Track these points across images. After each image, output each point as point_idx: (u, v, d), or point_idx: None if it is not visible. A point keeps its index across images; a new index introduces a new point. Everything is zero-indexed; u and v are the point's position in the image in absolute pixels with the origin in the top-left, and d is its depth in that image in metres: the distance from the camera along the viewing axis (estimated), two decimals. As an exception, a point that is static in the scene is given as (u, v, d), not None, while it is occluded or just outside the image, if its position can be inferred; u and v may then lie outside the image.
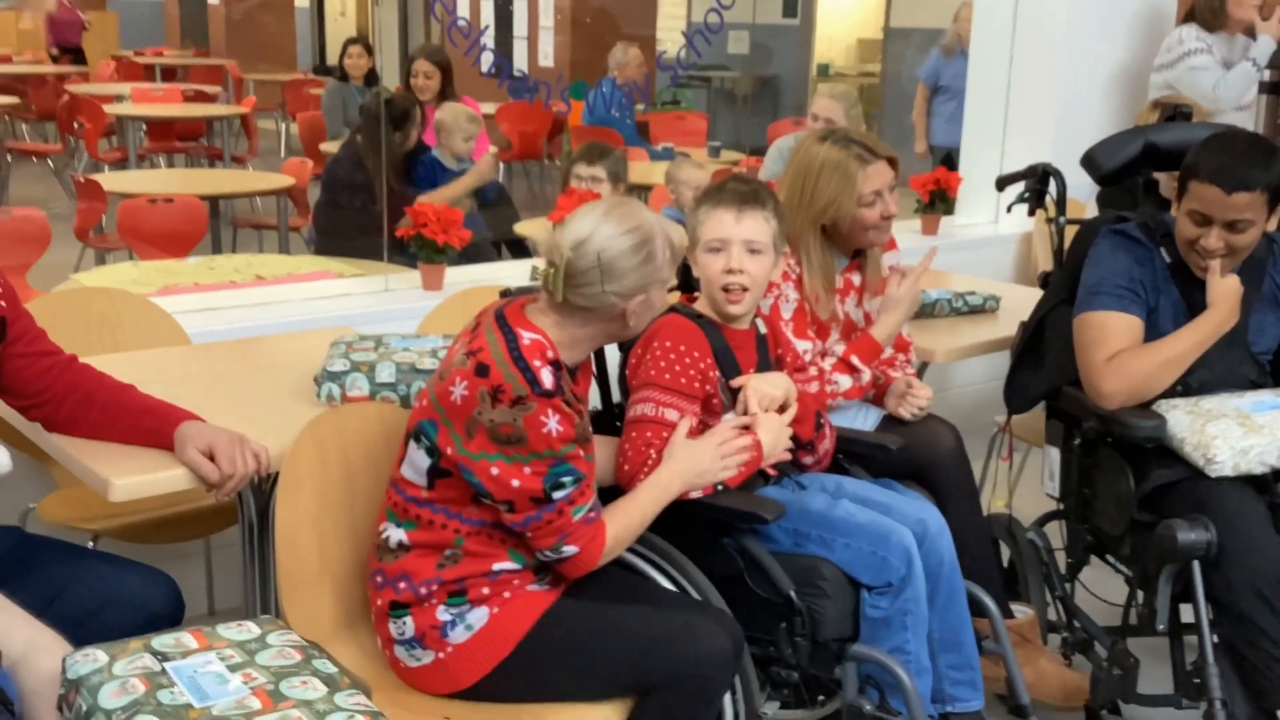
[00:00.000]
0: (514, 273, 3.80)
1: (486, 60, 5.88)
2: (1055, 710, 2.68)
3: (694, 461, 2.15)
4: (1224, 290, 2.50)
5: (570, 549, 1.96)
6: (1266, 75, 4.59)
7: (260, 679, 1.51)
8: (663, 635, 1.96)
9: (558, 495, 1.91)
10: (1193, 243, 2.51)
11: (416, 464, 1.98)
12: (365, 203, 4.87)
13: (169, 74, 12.04)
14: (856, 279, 2.82)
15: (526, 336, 1.92)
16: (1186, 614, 2.48)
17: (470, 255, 3.95)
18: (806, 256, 2.69)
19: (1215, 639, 2.37)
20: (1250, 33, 4.59)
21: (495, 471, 1.89)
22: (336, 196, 5.05)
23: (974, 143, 4.97)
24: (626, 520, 2.05)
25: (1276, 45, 4.56)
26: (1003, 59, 4.81)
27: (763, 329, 2.45)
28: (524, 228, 5.09)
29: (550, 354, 1.92)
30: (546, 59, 10.01)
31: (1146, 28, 4.83)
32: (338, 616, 2.12)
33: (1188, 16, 4.70)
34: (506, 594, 1.99)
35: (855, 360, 2.67)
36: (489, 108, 7.64)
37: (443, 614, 1.97)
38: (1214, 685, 2.31)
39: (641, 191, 5.42)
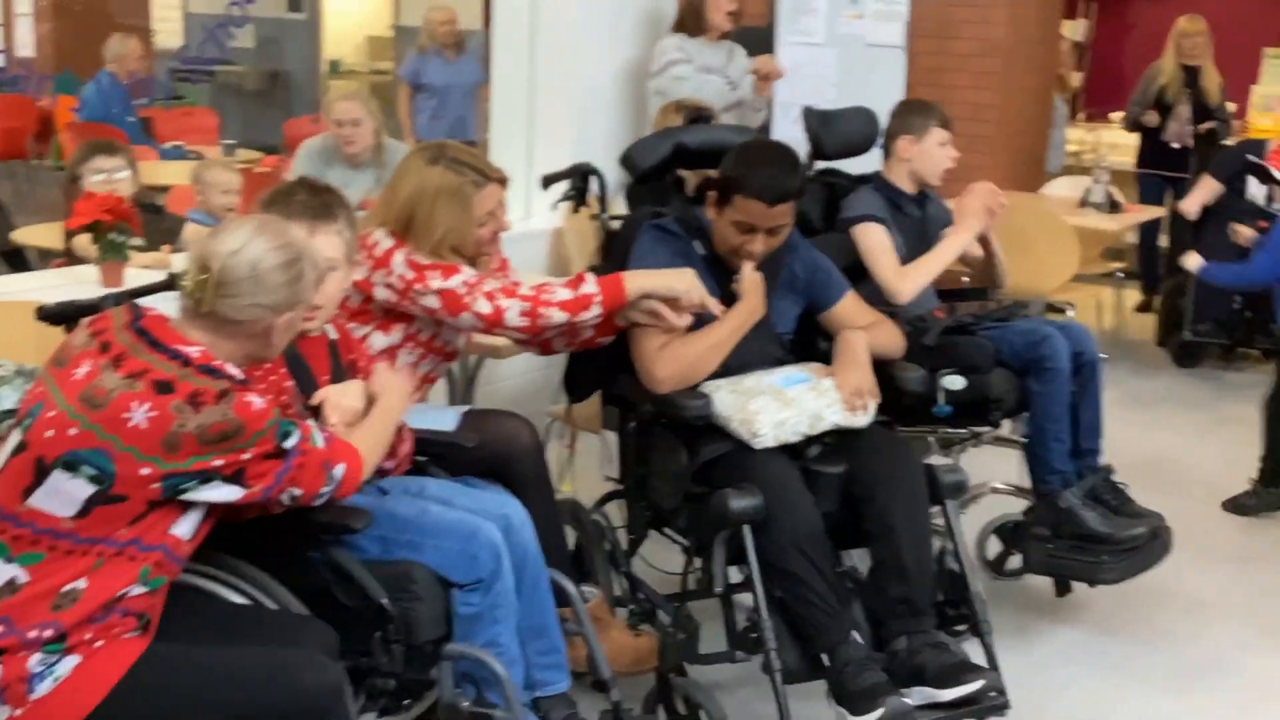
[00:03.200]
0: (25, 287, 3.45)
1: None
2: (630, 677, 2.84)
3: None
4: (751, 283, 2.76)
5: (340, 467, 2.04)
6: (743, 90, 5.02)
7: None
8: (266, 674, 1.89)
9: (290, 442, 1.93)
10: (737, 248, 2.75)
11: (66, 493, 1.82)
12: None
13: None
14: None
15: (193, 350, 1.87)
16: (735, 576, 2.71)
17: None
18: None
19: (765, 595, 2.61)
20: (727, 37, 5.03)
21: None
22: None
23: (502, 140, 5.10)
24: (368, 434, 2.19)
25: (752, 66, 5.02)
26: (524, 57, 4.97)
27: (333, 334, 2.41)
28: (24, 236, 4.63)
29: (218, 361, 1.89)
30: (26, 49, 9.08)
31: (652, 29, 5.19)
32: None
33: (679, 24, 5.09)
34: (100, 641, 1.82)
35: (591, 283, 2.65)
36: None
37: (35, 664, 1.79)
38: (769, 637, 2.55)
39: (158, 193, 5.09)
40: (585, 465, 3.48)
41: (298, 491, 1.99)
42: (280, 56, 10.89)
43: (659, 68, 4.83)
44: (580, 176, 3.13)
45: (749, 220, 2.72)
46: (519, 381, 4.50)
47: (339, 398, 2.27)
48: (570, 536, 3.06)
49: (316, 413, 2.23)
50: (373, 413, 2.25)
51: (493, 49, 5.08)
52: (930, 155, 3.54)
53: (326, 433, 2.07)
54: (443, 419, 2.75)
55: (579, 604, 2.63)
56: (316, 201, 2.28)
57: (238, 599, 2.11)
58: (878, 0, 5.83)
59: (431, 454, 2.56)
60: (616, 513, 3.10)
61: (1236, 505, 4.27)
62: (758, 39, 5.52)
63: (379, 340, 2.72)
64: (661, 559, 3.09)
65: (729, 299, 2.78)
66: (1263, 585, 3.78)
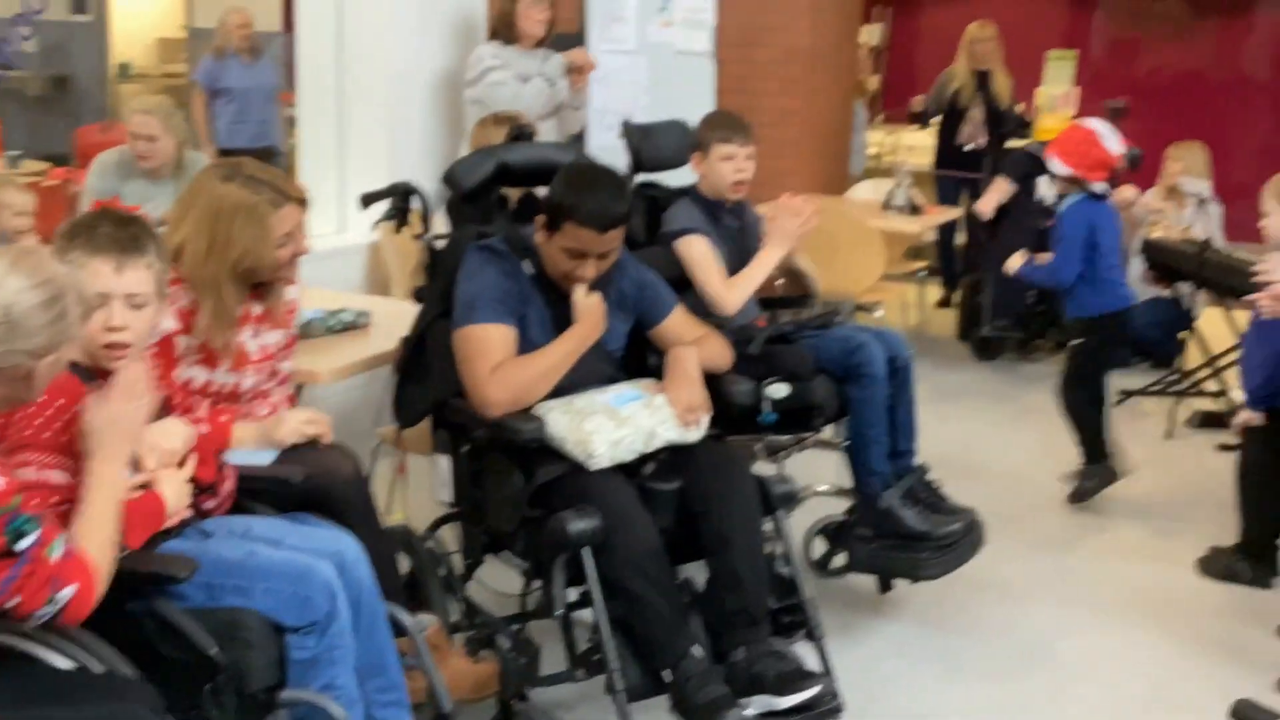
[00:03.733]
0: None
1: None
2: (472, 705, 2.80)
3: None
4: (588, 307, 2.76)
5: (68, 589, 1.82)
6: (562, 91, 5.03)
7: None
8: None
9: (25, 544, 1.74)
10: (568, 273, 2.74)
11: None
12: None
13: None
14: (257, 309, 2.73)
15: None
16: (572, 595, 2.71)
17: None
18: (216, 298, 2.55)
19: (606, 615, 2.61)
20: (543, 44, 5.02)
21: None
22: None
23: (310, 152, 4.97)
24: (99, 536, 1.92)
25: (566, 62, 5.03)
26: (330, 66, 4.85)
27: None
28: None
29: None
30: None
31: (464, 38, 5.13)
32: None
33: (492, 32, 5.05)
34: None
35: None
36: None
37: None
38: (611, 657, 2.56)
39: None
40: (416, 488, 3.41)
41: (15, 601, 1.77)
42: (65, 60, 10.33)
43: (475, 76, 4.77)
44: (401, 196, 3.07)
45: (580, 247, 2.72)
46: (337, 403, 4.38)
47: (157, 438, 2.16)
48: (403, 563, 3.00)
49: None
50: (93, 506, 1.97)
51: (297, 57, 4.94)
52: (716, 170, 3.55)
53: (68, 546, 1.85)
54: (260, 454, 2.65)
55: (416, 636, 2.57)
56: (124, 234, 2.16)
57: (62, 662, 1.98)
58: (686, 9, 5.91)
59: (253, 490, 2.46)
60: (451, 536, 3.05)
61: (1078, 494, 4.47)
62: (570, 46, 5.52)
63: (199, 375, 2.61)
64: (499, 582, 3.06)
65: (561, 319, 2.77)
66: (1070, 571, 3.99)
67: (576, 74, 5.01)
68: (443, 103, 5.03)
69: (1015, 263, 4.49)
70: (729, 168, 3.53)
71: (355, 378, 3.77)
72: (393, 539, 2.88)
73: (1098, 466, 4.44)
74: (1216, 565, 3.95)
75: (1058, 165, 4.31)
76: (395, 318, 3.35)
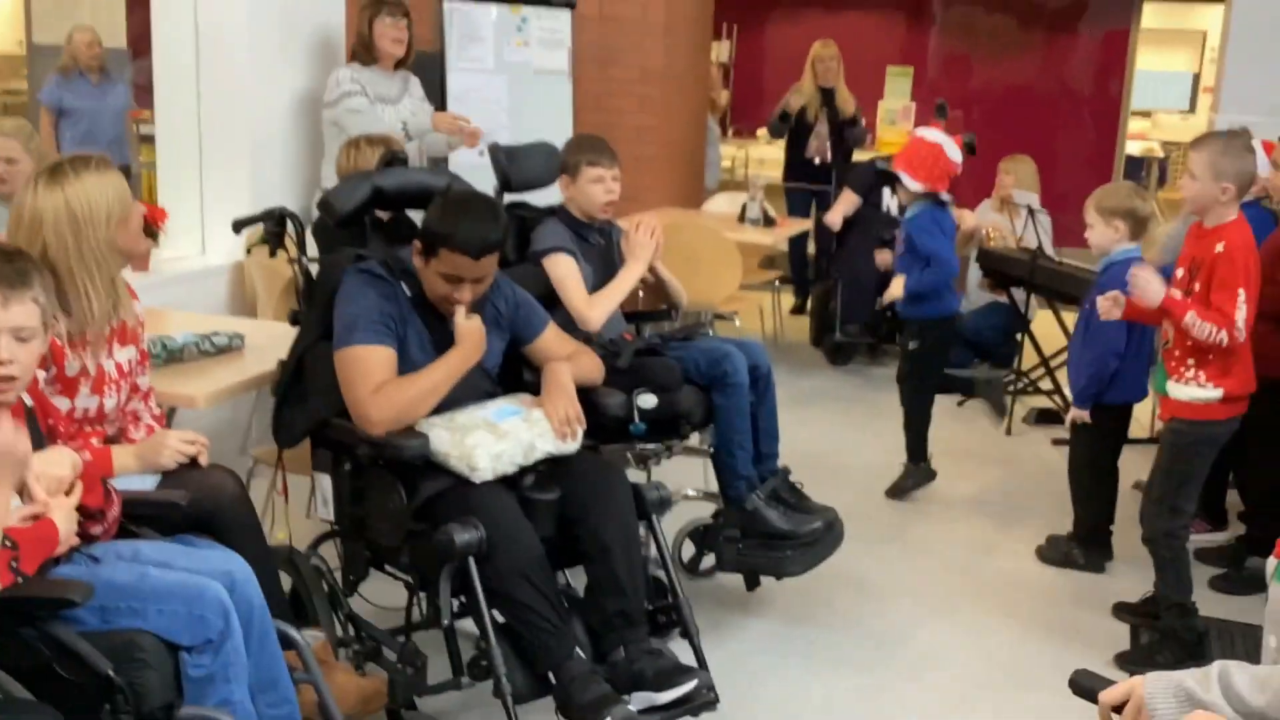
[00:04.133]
0: None
1: None
2: (359, 718, 2.86)
3: None
4: (468, 330, 2.86)
5: None
6: (421, 121, 5.08)
7: None
8: None
9: None
10: (445, 296, 2.83)
11: None
12: None
13: None
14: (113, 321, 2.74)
15: None
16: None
17: None
18: (93, 278, 2.58)
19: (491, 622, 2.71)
20: (404, 65, 5.07)
21: None
22: None
23: (170, 172, 4.92)
24: None
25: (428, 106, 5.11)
26: (189, 86, 4.82)
27: (29, 400, 2.30)
28: None
29: None
30: None
31: (325, 59, 5.15)
32: None
33: (351, 54, 5.09)
34: None
35: None
36: None
37: None
38: (498, 662, 2.66)
39: None
40: (295, 507, 3.45)
41: None
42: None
43: (333, 99, 4.81)
44: (276, 220, 3.12)
45: (456, 272, 2.81)
46: (205, 426, 4.36)
47: (44, 467, 2.18)
48: (286, 582, 3.04)
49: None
50: None
51: (155, 77, 4.89)
52: (585, 193, 3.70)
53: None
54: (142, 479, 2.68)
55: (305, 649, 2.63)
56: (9, 268, 2.17)
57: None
58: (542, 29, 6.04)
59: (138, 515, 2.49)
60: (332, 554, 3.10)
61: (896, 490, 4.75)
62: (429, 64, 5.59)
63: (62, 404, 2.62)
64: (383, 596, 3.13)
65: (441, 339, 2.86)
66: (923, 564, 4.23)
67: (469, 137, 5.08)
68: (304, 123, 5.04)
69: (896, 290, 4.72)
70: (599, 189, 3.68)
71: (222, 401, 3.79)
72: (276, 557, 2.93)
73: (917, 467, 4.74)
74: (1054, 552, 4.24)
75: (909, 180, 4.57)
76: (268, 340, 3.39)
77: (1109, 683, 1.55)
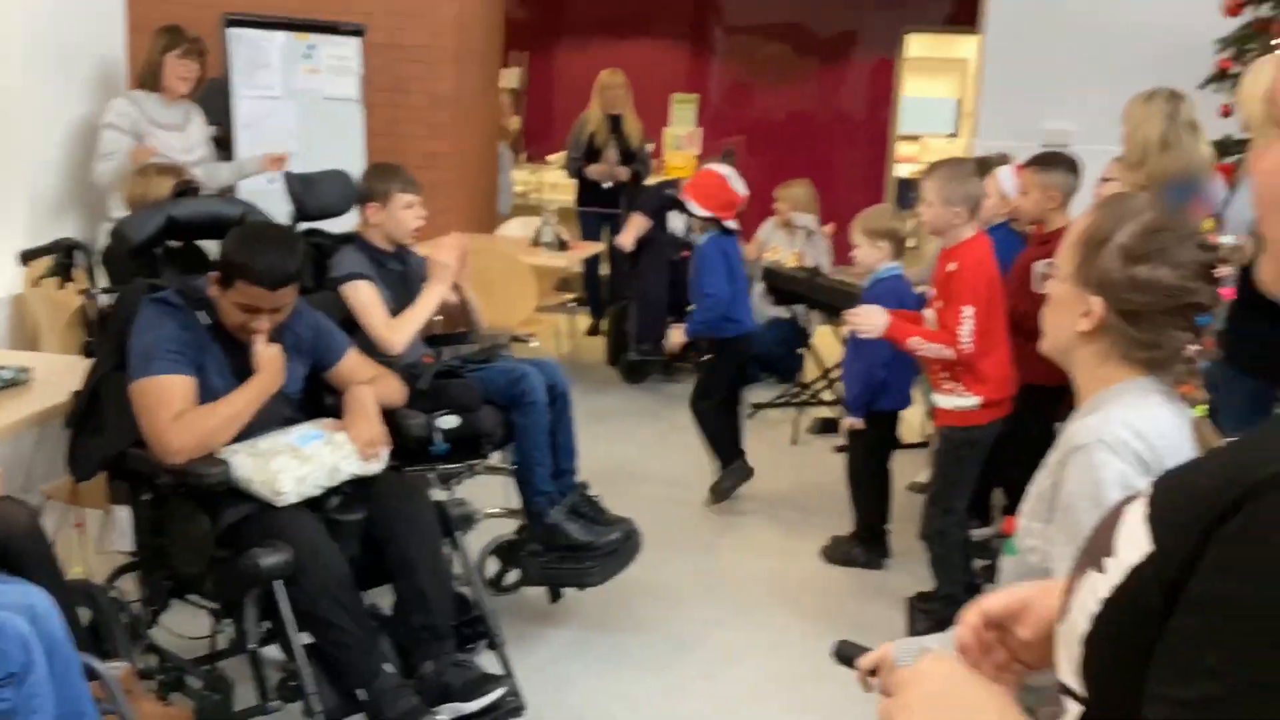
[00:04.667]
0: None
1: None
2: (165, 749, 2.86)
3: None
4: (268, 359, 2.90)
5: None
6: (200, 153, 5.04)
7: None
8: None
9: None
10: (243, 325, 2.87)
11: None
12: None
13: None
14: None
15: None
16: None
17: None
18: None
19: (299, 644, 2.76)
20: (190, 96, 5.02)
21: None
22: None
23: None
24: None
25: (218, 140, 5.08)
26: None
27: None
28: None
29: None
30: None
31: (105, 88, 5.05)
32: None
33: (139, 80, 5.01)
34: None
35: None
36: None
37: None
38: (308, 683, 2.70)
39: None
40: (91, 541, 3.41)
41: None
42: None
43: (105, 124, 4.74)
44: (65, 251, 3.08)
45: (253, 303, 2.86)
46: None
47: None
48: (85, 616, 3.00)
49: None
50: None
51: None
52: (396, 219, 3.80)
53: None
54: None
55: (110, 679, 2.62)
56: None
57: None
58: (331, 56, 6.05)
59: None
60: (131, 586, 3.08)
61: (717, 492, 4.94)
62: (217, 91, 5.54)
63: None
64: (184, 626, 3.12)
65: (240, 367, 2.90)
66: (718, 569, 4.44)
67: (273, 163, 5.05)
68: (82, 153, 4.94)
69: (676, 339, 4.92)
70: (410, 215, 3.79)
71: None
72: (73, 591, 2.89)
73: (732, 467, 4.97)
74: (836, 552, 4.52)
75: (696, 207, 4.81)
76: (57, 373, 3.33)
77: (868, 650, 1.74)
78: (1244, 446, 0.83)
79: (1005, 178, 4.27)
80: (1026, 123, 6.50)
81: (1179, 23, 5.89)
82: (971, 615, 1.21)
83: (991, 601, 1.21)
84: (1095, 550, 0.90)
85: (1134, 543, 0.85)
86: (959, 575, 3.85)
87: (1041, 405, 3.70)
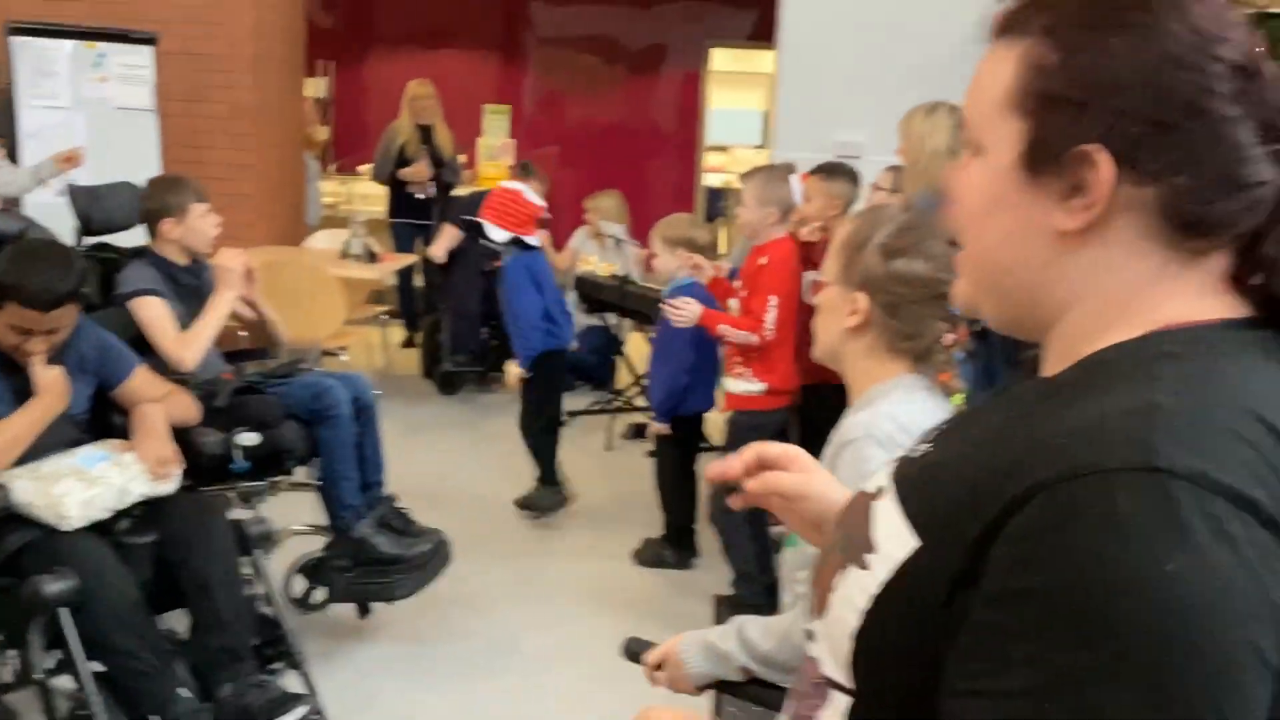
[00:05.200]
0: None
1: None
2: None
3: None
4: (50, 379, 2.80)
5: None
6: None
7: None
8: None
9: None
10: (16, 347, 2.76)
11: None
12: None
13: None
14: None
15: None
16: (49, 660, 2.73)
17: None
18: None
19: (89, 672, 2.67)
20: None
21: None
22: None
23: None
24: None
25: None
26: None
27: None
28: None
29: None
30: None
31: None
32: None
33: None
34: None
35: None
36: None
37: None
38: (98, 712, 2.62)
39: None
40: None
41: None
42: None
43: None
44: None
45: (26, 325, 2.76)
46: None
47: None
48: None
49: None
50: None
51: None
52: (195, 229, 3.71)
53: None
54: None
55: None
56: None
57: None
58: (122, 65, 5.86)
59: None
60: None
61: (528, 503, 4.94)
62: (2, 102, 5.31)
63: None
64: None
65: (21, 389, 2.79)
66: (532, 576, 4.46)
67: (65, 162, 4.84)
68: None
69: (516, 372, 4.91)
70: (209, 224, 3.70)
71: None
72: None
73: (550, 489, 4.99)
74: (647, 554, 4.60)
75: (495, 231, 4.79)
76: None
77: (654, 646, 1.80)
78: (1006, 436, 0.83)
79: (792, 185, 4.43)
80: (821, 134, 6.72)
81: (957, 33, 6.17)
82: (749, 453, 1.29)
83: (771, 449, 1.28)
84: (852, 546, 0.91)
85: (896, 538, 0.86)
86: (749, 554, 3.97)
87: (828, 403, 3.87)
